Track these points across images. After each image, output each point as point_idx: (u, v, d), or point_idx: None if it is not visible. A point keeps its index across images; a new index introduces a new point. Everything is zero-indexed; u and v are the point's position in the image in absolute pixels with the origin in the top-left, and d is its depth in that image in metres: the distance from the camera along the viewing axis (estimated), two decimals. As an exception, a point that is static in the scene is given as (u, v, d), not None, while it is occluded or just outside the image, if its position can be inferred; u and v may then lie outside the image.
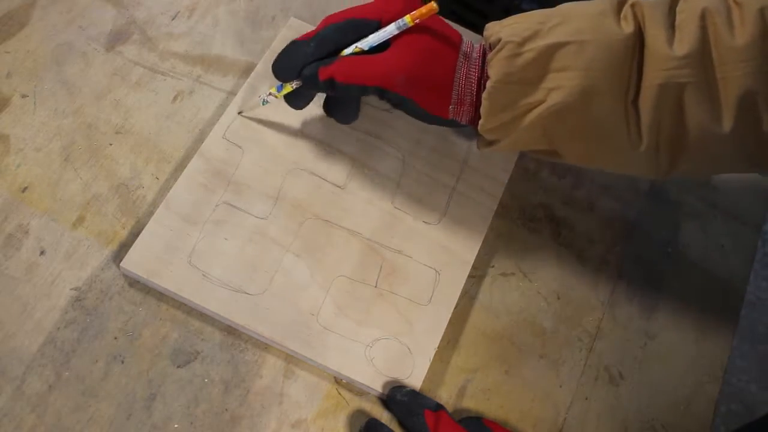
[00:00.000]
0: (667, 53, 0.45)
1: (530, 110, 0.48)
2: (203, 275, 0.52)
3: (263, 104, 0.56)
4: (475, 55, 0.51)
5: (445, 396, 0.53)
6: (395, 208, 0.57)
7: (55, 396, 0.49)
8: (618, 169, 0.52)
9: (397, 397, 0.50)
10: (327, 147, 0.59)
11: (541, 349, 0.56)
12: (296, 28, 0.63)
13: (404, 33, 0.50)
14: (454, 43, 0.51)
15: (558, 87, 0.47)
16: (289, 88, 0.53)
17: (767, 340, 1.36)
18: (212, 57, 0.62)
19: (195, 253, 0.53)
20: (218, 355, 0.51)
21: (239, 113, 0.58)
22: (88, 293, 0.52)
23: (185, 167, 0.56)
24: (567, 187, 0.62)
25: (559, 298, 0.58)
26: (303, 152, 0.58)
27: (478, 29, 0.69)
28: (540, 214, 0.61)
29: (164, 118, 0.59)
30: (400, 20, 0.49)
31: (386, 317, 0.53)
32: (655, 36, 0.46)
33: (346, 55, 0.50)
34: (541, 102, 0.48)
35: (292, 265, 0.54)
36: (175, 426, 0.49)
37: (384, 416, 0.51)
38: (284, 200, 0.56)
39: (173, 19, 0.63)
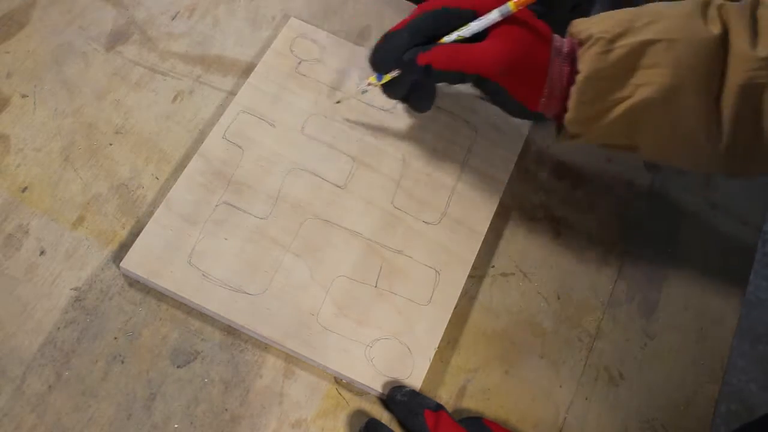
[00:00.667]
0: (750, 54, 0.47)
1: (617, 105, 0.49)
2: (203, 275, 0.52)
3: (363, 93, 0.58)
4: (565, 49, 0.52)
5: (445, 396, 0.53)
6: (395, 208, 0.57)
7: (55, 396, 0.49)
8: (693, 167, 0.54)
9: (397, 397, 0.50)
10: (327, 147, 0.59)
11: (541, 349, 0.56)
12: (296, 28, 0.63)
13: (501, 24, 0.50)
14: (546, 36, 0.52)
15: (646, 83, 0.48)
16: (387, 77, 0.53)
17: (767, 340, 1.36)
18: (212, 57, 0.62)
19: (195, 253, 0.53)
20: (218, 355, 0.51)
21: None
22: (88, 293, 0.52)
23: (185, 167, 0.56)
24: (567, 187, 0.62)
25: (559, 298, 0.58)
26: (303, 152, 0.58)
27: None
28: (540, 214, 0.61)
29: (164, 118, 0.59)
30: (503, 6, 0.50)
31: (386, 317, 0.53)
32: (740, 37, 0.47)
33: (446, 43, 0.51)
34: (628, 97, 0.49)
35: (292, 265, 0.54)
36: (175, 426, 0.49)
37: (384, 416, 0.51)
38: (284, 200, 0.56)
39: (173, 19, 0.63)
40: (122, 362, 0.50)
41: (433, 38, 0.51)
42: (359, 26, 0.66)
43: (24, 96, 0.58)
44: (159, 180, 0.56)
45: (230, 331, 0.52)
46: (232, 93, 0.60)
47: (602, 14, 0.51)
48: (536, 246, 0.59)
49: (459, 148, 0.60)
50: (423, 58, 0.50)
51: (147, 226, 0.53)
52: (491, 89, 0.52)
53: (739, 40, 0.47)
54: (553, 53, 0.51)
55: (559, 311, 0.57)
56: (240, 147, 0.57)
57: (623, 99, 0.49)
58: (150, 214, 0.54)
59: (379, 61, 0.53)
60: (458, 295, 0.55)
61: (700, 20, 0.48)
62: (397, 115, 0.61)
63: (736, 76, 0.47)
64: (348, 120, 0.60)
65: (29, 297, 0.51)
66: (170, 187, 0.55)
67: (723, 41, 0.48)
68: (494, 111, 0.62)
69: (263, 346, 0.52)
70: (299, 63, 0.62)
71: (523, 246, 0.59)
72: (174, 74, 0.61)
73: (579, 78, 0.49)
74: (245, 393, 0.51)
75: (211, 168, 0.56)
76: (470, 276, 0.56)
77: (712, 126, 0.49)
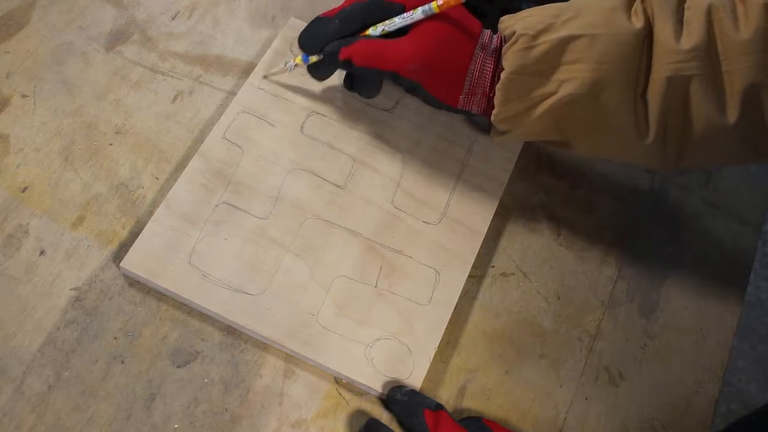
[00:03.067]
0: (674, 47, 0.47)
1: (542, 101, 0.50)
2: (203, 275, 0.52)
3: (290, 70, 0.58)
4: (492, 47, 0.52)
5: (445, 396, 0.53)
6: (395, 208, 0.57)
7: (55, 396, 0.49)
8: (626, 160, 0.54)
9: (396, 397, 0.50)
10: (327, 147, 0.59)
11: (541, 349, 0.56)
12: (296, 28, 0.63)
13: (423, 21, 0.51)
14: (473, 33, 0.52)
15: (570, 79, 0.48)
16: (314, 59, 0.55)
17: (767, 340, 1.36)
18: (212, 57, 0.62)
19: (195, 253, 0.53)
20: (218, 355, 0.51)
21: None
22: (88, 293, 0.52)
23: (185, 167, 0.56)
24: (567, 187, 0.62)
25: (559, 298, 0.58)
26: (303, 152, 0.58)
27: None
28: (540, 214, 0.61)
29: (164, 118, 0.59)
30: (426, 6, 0.50)
31: (386, 317, 0.53)
32: (664, 30, 0.47)
33: (367, 37, 0.52)
34: (552, 93, 0.49)
35: (292, 265, 0.54)
36: (175, 426, 0.49)
37: (384, 416, 0.51)
38: (284, 200, 0.56)
39: (173, 19, 0.63)
40: (122, 362, 0.50)
41: (363, 28, 0.52)
42: (359, 26, 0.66)
43: (24, 96, 0.58)
44: (159, 180, 0.56)
45: (230, 331, 0.52)
46: (232, 93, 0.60)
47: (529, 9, 0.51)
48: (536, 246, 0.59)
49: (459, 148, 0.60)
50: (344, 52, 0.52)
51: (147, 226, 0.53)
52: (407, 86, 0.53)
53: (663, 33, 0.47)
54: (477, 49, 0.51)
55: (559, 311, 0.57)
56: (240, 147, 0.57)
57: (548, 95, 0.49)
58: (150, 214, 0.54)
59: (305, 46, 0.54)
60: (458, 295, 0.55)
61: (623, 14, 0.48)
62: (397, 115, 0.61)
63: (660, 69, 0.47)
64: (348, 120, 0.60)
65: (29, 297, 0.51)
66: (170, 187, 0.55)
67: (647, 35, 0.48)
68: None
69: (263, 346, 0.52)
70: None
71: (523, 246, 0.59)
72: (174, 74, 0.61)
73: (503, 75, 0.49)
74: (245, 393, 0.51)
75: (211, 168, 0.56)
76: (470, 276, 0.56)
77: (640, 120, 0.49)
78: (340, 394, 0.52)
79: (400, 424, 0.51)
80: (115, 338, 0.51)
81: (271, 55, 0.61)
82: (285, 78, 0.61)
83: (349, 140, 0.59)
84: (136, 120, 0.58)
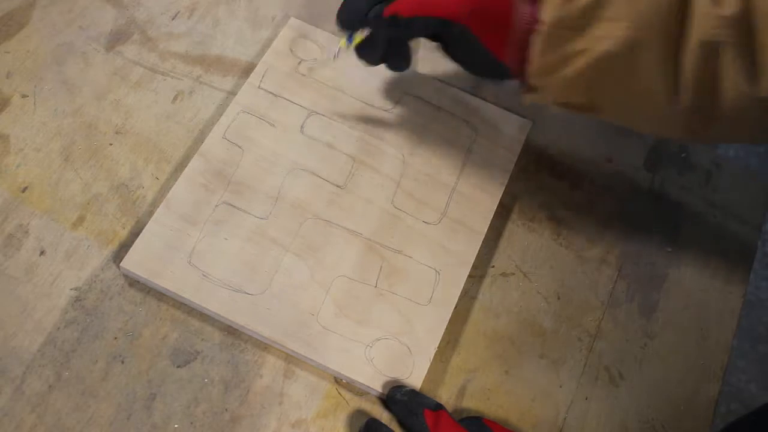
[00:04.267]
0: (711, 12, 0.46)
1: (577, 56, 0.49)
2: (203, 275, 0.52)
3: (334, 59, 0.54)
4: None
5: (445, 396, 0.53)
6: (395, 208, 0.57)
7: (55, 396, 0.49)
8: (653, 129, 0.54)
9: (396, 397, 0.50)
10: (327, 147, 0.59)
11: (541, 349, 0.56)
12: (296, 28, 0.63)
13: None
14: None
15: (606, 36, 0.48)
16: (358, 38, 0.52)
17: (767, 340, 1.36)
18: (212, 57, 0.62)
19: (195, 253, 0.53)
20: (218, 355, 0.51)
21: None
22: (88, 293, 0.52)
23: (185, 167, 0.56)
24: (567, 187, 0.62)
25: (559, 298, 0.58)
26: (303, 152, 0.58)
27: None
28: (540, 214, 0.61)
29: (164, 118, 0.59)
30: None
31: (386, 317, 0.53)
32: None
33: None
34: (588, 49, 0.49)
35: (292, 265, 0.54)
36: (175, 426, 0.49)
37: (384, 416, 0.51)
38: (284, 200, 0.56)
39: (173, 19, 0.63)
40: (122, 362, 0.50)
41: None
42: (359, 26, 0.65)
43: (24, 96, 0.58)
44: (159, 180, 0.56)
45: (230, 331, 0.52)
46: (232, 93, 0.60)
47: None
48: (536, 246, 0.59)
49: (459, 148, 0.60)
50: (388, 9, 0.50)
51: (147, 226, 0.53)
52: (458, 35, 0.51)
53: None
54: None
55: (559, 311, 0.57)
56: (240, 147, 0.57)
57: (584, 51, 0.49)
58: (150, 214, 0.54)
59: (346, 19, 0.52)
60: (458, 295, 0.55)
61: None
62: (397, 115, 0.61)
63: (697, 33, 0.47)
64: (348, 120, 0.60)
65: (29, 297, 0.51)
66: (170, 187, 0.55)
67: None
68: (494, 111, 0.63)
69: (263, 346, 0.52)
70: (299, 63, 0.62)
71: (523, 246, 0.59)
72: (174, 74, 0.61)
73: (542, 24, 0.49)
74: (245, 393, 0.51)
75: (211, 168, 0.56)
76: (470, 276, 0.56)
77: (670, 84, 0.48)
78: (340, 394, 0.52)
79: (400, 424, 0.51)
80: (115, 338, 0.51)
81: (271, 55, 0.61)
82: (285, 78, 0.61)
83: (349, 140, 0.59)
84: (136, 120, 0.58)
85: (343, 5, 0.52)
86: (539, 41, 0.49)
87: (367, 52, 0.54)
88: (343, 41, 0.53)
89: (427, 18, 0.50)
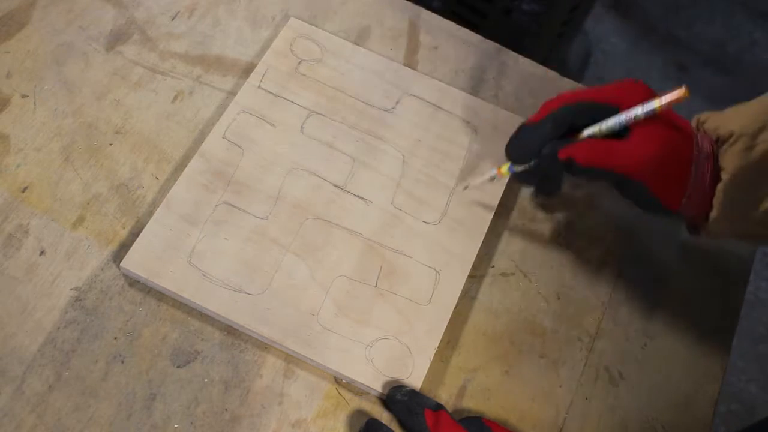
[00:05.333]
0: None
1: (762, 200, 0.49)
2: (203, 275, 0.52)
3: (493, 181, 0.56)
4: (706, 147, 0.51)
5: (445, 396, 0.53)
6: (395, 208, 0.57)
7: (55, 396, 0.49)
8: None
9: (396, 397, 0.50)
10: (327, 147, 0.59)
11: (541, 349, 0.56)
12: (296, 28, 0.63)
13: (645, 120, 0.49)
14: (689, 134, 0.51)
15: None
16: (519, 167, 0.53)
17: (767, 340, 1.36)
18: (212, 57, 0.62)
19: (195, 253, 0.53)
20: (218, 355, 0.51)
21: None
22: (88, 293, 0.52)
23: (185, 167, 0.56)
24: (567, 187, 0.62)
25: (559, 298, 0.58)
26: (303, 152, 0.58)
27: (478, 29, 0.70)
28: (540, 214, 0.61)
29: (164, 118, 0.59)
30: (647, 104, 0.48)
31: (386, 317, 0.53)
32: None
33: (587, 137, 0.50)
34: None
35: (292, 265, 0.54)
36: (175, 426, 0.49)
37: (384, 416, 0.51)
38: (284, 200, 0.56)
39: (173, 19, 0.63)
40: (122, 362, 0.50)
41: (571, 130, 0.51)
42: (359, 26, 0.66)
43: (24, 96, 0.58)
44: (159, 180, 0.56)
45: (230, 331, 0.52)
46: (232, 93, 0.60)
47: (732, 109, 0.51)
48: (536, 246, 0.59)
49: (459, 148, 0.60)
50: (564, 152, 0.49)
51: (147, 226, 0.53)
52: (633, 188, 0.50)
53: None
54: (694, 151, 0.50)
55: (559, 311, 0.57)
56: (240, 147, 0.57)
57: None
58: (150, 214, 0.54)
59: (518, 154, 0.52)
60: (458, 295, 0.55)
61: None
62: (397, 115, 0.61)
63: None
64: (348, 120, 0.60)
65: (29, 297, 0.51)
66: (170, 187, 0.55)
67: None
68: (494, 111, 0.63)
69: (263, 346, 0.52)
70: (299, 63, 0.62)
71: (523, 246, 0.59)
72: (174, 74, 0.61)
73: (724, 177, 0.49)
74: (245, 393, 0.51)
75: (211, 168, 0.56)
76: (470, 276, 0.56)
77: None
78: (340, 394, 0.52)
79: (400, 424, 0.51)
80: (115, 338, 0.51)
81: (271, 55, 0.61)
82: (285, 78, 0.61)
83: (349, 140, 0.59)
84: (136, 120, 0.58)
85: (515, 139, 0.51)
86: (723, 192, 0.50)
87: (527, 180, 0.54)
88: (504, 168, 0.54)
89: (604, 171, 0.49)
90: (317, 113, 0.60)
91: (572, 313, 0.57)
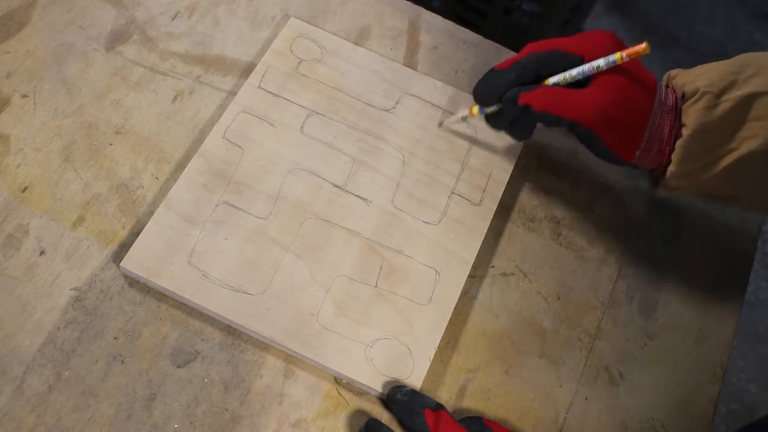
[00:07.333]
0: None
1: (722, 158, 0.50)
2: (203, 275, 0.52)
3: (465, 121, 0.59)
4: (669, 102, 0.52)
5: (445, 396, 0.53)
6: (395, 208, 0.57)
7: (55, 396, 0.49)
8: None
9: (397, 397, 0.50)
10: (327, 147, 0.59)
11: (541, 349, 0.56)
12: (296, 28, 0.63)
13: (605, 73, 0.51)
14: (651, 88, 0.52)
15: (753, 136, 0.49)
16: (490, 110, 0.55)
17: (767, 340, 1.36)
18: (212, 57, 0.62)
19: (195, 253, 0.53)
20: (218, 355, 0.51)
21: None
22: (88, 293, 0.52)
23: (185, 167, 0.56)
24: (567, 187, 0.62)
25: (559, 298, 0.58)
26: (303, 152, 0.58)
27: (478, 29, 0.70)
28: (540, 214, 0.61)
29: (164, 118, 0.59)
30: (609, 56, 0.50)
31: (386, 317, 0.53)
32: None
33: (548, 85, 0.52)
34: (734, 150, 0.50)
35: (292, 265, 0.54)
36: (175, 426, 0.49)
37: (384, 416, 0.51)
38: (284, 200, 0.56)
39: (173, 19, 0.63)
40: (122, 362, 0.50)
41: (538, 78, 0.52)
42: (359, 26, 0.66)
43: (24, 96, 0.58)
44: (159, 180, 0.56)
45: (230, 331, 0.52)
46: (232, 93, 0.60)
47: (702, 67, 0.52)
48: (536, 246, 0.59)
49: (459, 148, 0.60)
50: (524, 98, 0.51)
51: (147, 226, 0.53)
52: (585, 136, 0.52)
53: None
54: (656, 105, 0.51)
55: (559, 311, 0.57)
56: (240, 147, 0.57)
57: (729, 152, 0.50)
58: (150, 214, 0.54)
59: (483, 96, 0.54)
60: (458, 295, 0.55)
61: None
62: (397, 115, 0.61)
63: None
64: (348, 120, 0.60)
65: (29, 297, 0.51)
66: (170, 187, 0.55)
67: None
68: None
69: (263, 346, 0.52)
70: (299, 63, 0.62)
71: (523, 246, 0.59)
72: (174, 74, 0.61)
73: (685, 133, 0.50)
74: (245, 393, 0.51)
75: (211, 168, 0.56)
76: (470, 276, 0.56)
77: None
78: (340, 394, 0.52)
79: (401, 424, 0.51)
80: (115, 338, 0.51)
81: (271, 55, 0.61)
82: (285, 78, 0.61)
83: (349, 140, 0.59)
84: (136, 120, 0.58)
85: (482, 82, 0.54)
86: (683, 147, 0.50)
87: (496, 123, 0.56)
88: (475, 108, 0.56)
89: (556, 116, 0.51)
90: (317, 113, 0.60)
91: (572, 313, 0.57)
